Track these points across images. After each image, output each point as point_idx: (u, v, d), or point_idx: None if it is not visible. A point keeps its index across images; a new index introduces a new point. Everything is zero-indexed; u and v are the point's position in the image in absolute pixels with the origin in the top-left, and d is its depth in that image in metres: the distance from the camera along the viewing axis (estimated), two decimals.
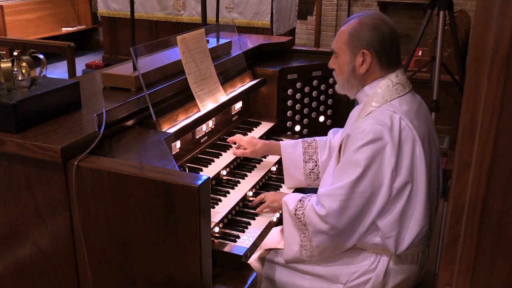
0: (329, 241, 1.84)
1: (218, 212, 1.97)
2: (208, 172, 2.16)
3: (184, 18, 6.80)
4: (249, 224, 2.01)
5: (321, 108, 2.92)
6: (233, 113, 2.64)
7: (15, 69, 1.83)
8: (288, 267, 2.02)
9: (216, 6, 2.86)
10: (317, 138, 2.32)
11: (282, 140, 2.68)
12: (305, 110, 2.87)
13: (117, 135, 1.85)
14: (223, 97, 2.40)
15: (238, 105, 2.67)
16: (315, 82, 2.86)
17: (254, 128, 2.65)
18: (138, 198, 1.53)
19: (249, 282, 1.72)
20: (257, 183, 2.27)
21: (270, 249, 2.13)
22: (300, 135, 2.84)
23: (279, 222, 2.11)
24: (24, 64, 1.82)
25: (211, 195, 1.98)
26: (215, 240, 1.86)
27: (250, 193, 2.21)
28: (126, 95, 2.04)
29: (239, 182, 2.22)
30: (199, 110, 2.23)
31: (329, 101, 2.93)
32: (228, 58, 2.65)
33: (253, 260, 2.07)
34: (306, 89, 2.84)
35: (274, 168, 2.46)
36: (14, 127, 1.63)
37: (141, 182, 1.51)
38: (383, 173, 1.76)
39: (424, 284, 2.06)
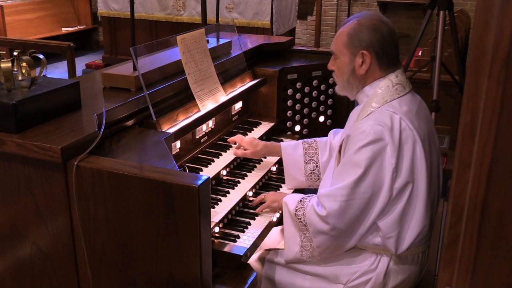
0: (329, 242, 1.84)
1: (218, 212, 1.97)
2: (208, 172, 2.16)
3: (184, 18, 6.80)
4: (249, 224, 2.01)
5: (321, 108, 2.92)
6: (233, 113, 2.64)
7: (15, 69, 1.83)
8: (288, 267, 2.02)
9: (216, 6, 2.86)
10: (317, 139, 2.32)
11: (282, 140, 2.69)
12: (305, 110, 2.87)
13: (117, 135, 1.85)
14: (223, 97, 2.40)
15: (238, 105, 2.67)
16: (315, 82, 2.86)
17: (254, 128, 2.65)
18: (138, 198, 1.53)
19: (249, 282, 1.72)
20: (257, 183, 2.27)
21: (270, 250, 2.13)
22: (300, 135, 2.84)
23: (279, 222, 2.11)
24: (24, 64, 1.82)
25: (211, 195, 1.98)
26: (215, 240, 1.86)
27: (250, 193, 2.21)
28: (126, 95, 2.04)
29: (239, 182, 2.22)
30: (199, 110, 2.23)
31: (329, 101, 2.93)
32: (228, 58, 2.65)
33: (253, 261, 2.07)
34: (306, 89, 2.84)
35: (274, 168, 2.46)
36: (14, 127, 1.63)
37: (141, 182, 1.51)
38: (384, 173, 1.76)
39: (424, 284, 2.06)
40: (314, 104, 2.89)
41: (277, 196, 2.09)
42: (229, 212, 2.01)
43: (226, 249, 1.81)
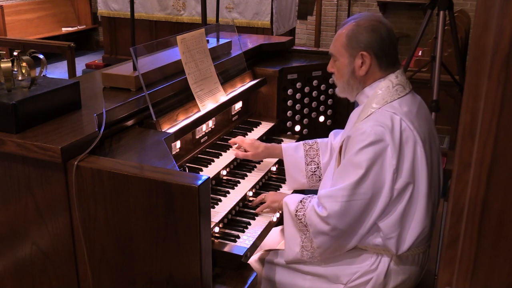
0: (330, 242, 1.84)
1: (218, 212, 1.97)
2: (208, 172, 2.16)
3: (184, 18, 6.80)
4: (249, 224, 2.01)
5: (321, 108, 2.92)
6: (233, 113, 2.64)
7: (15, 69, 1.83)
8: (289, 267, 2.02)
9: (216, 6, 2.86)
10: (318, 140, 2.32)
11: (282, 140, 2.69)
12: (305, 110, 2.87)
13: (117, 135, 1.85)
14: (223, 97, 2.40)
15: (238, 105, 2.67)
16: (315, 82, 2.86)
17: (254, 128, 2.65)
18: (138, 198, 1.53)
19: (249, 282, 1.72)
20: (257, 183, 2.27)
21: (269, 250, 2.13)
22: (300, 135, 2.84)
23: (279, 222, 2.11)
24: (24, 64, 1.82)
25: (211, 195, 1.98)
26: (215, 240, 1.86)
27: (250, 193, 2.21)
28: (126, 95, 2.04)
29: (239, 182, 2.22)
30: (199, 110, 2.23)
31: (329, 101, 2.93)
32: (228, 58, 2.65)
33: (253, 261, 2.07)
34: (306, 89, 2.84)
35: (274, 168, 2.46)
36: (14, 127, 1.63)
37: (141, 182, 1.51)
38: (384, 174, 1.76)
39: (424, 284, 2.06)
40: (314, 104, 2.89)
41: (277, 197, 2.09)
42: (229, 212, 2.01)
43: (226, 249, 1.81)
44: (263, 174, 2.34)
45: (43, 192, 1.64)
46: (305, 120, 2.88)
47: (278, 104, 2.77)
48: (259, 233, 1.96)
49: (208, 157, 2.27)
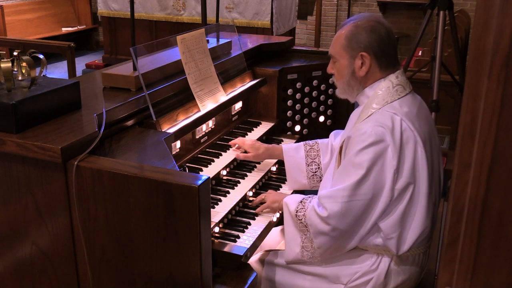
0: (330, 242, 1.84)
1: (218, 212, 1.97)
2: (208, 172, 2.16)
3: (184, 18, 6.80)
4: (249, 224, 2.01)
5: (321, 108, 2.92)
6: (233, 113, 2.64)
7: (15, 69, 1.83)
8: (289, 268, 2.02)
9: (216, 6, 2.86)
10: (319, 140, 2.32)
11: (282, 140, 2.69)
12: (305, 110, 2.87)
13: (117, 135, 1.85)
14: (223, 97, 2.40)
15: (238, 105, 2.67)
16: (315, 82, 2.86)
17: (254, 128, 2.65)
18: (138, 198, 1.53)
19: (249, 282, 1.72)
20: (257, 183, 2.27)
21: (269, 251, 2.13)
22: (300, 135, 2.84)
23: (279, 222, 2.11)
24: (24, 64, 1.82)
25: (211, 195, 1.98)
26: (215, 240, 1.86)
27: (250, 193, 2.21)
28: (126, 95, 2.04)
29: (239, 182, 2.22)
30: (199, 110, 2.23)
31: (329, 101, 2.93)
32: (228, 58, 2.65)
33: (253, 262, 2.07)
34: (306, 89, 2.84)
35: (274, 168, 2.46)
36: (14, 127, 1.63)
37: (141, 182, 1.51)
38: (385, 175, 1.76)
39: (425, 284, 2.06)
40: (314, 104, 2.89)
41: (277, 197, 2.09)
42: (229, 212, 2.01)
43: (226, 249, 1.81)
44: (263, 174, 2.34)
45: (43, 192, 1.64)
46: (305, 120, 2.88)
47: (278, 104, 2.77)
48: (259, 233, 1.96)
49: (208, 157, 2.27)
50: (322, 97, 2.90)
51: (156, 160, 1.66)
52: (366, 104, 1.89)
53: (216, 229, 1.91)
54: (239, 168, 2.36)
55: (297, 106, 2.82)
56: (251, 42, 3.07)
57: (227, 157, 2.32)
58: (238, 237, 1.91)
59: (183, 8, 6.79)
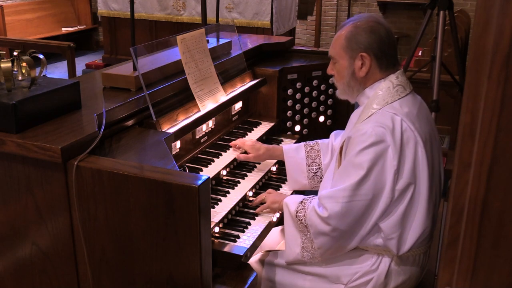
0: (330, 243, 1.84)
1: (218, 212, 1.97)
2: (208, 172, 2.16)
3: (184, 18, 6.80)
4: (249, 224, 2.01)
5: (321, 108, 2.92)
6: (233, 113, 2.64)
7: (15, 69, 1.83)
8: (289, 268, 2.02)
9: (216, 6, 2.86)
10: (319, 141, 2.32)
11: (282, 140, 2.69)
12: (305, 110, 2.87)
13: (117, 135, 1.85)
14: (223, 97, 2.40)
15: (238, 105, 2.67)
16: (315, 82, 2.86)
17: (254, 128, 2.65)
18: (138, 198, 1.53)
19: (249, 282, 1.72)
20: (257, 183, 2.27)
21: (269, 251, 2.13)
22: (300, 135, 2.84)
23: (279, 222, 2.11)
24: (24, 64, 1.82)
25: (211, 195, 1.98)
26: (215, 240, 1.86)
27: (250, 193, 2.21)
28: (126, 95, 2.04)
29: (239, 182, 2.22)
30: (199, 110, 2.23)
31: (329, 101, 2.93)
32: (228, 58, 2.65)
33: (253, 262, 2.07)
34: (306, 89, 2.84)
35: (274, 168, 2.46)
36: (14, 127, 1.63)
37: (141, 182, 1.51)
38: (385, 175, 1.76)
39: (425, 284, 2.06)
40: (314, 104, 2.89)
41: (277, 197, 2.09)
42: (229, 212, 2.01)
43: (226, 249, 1.81)
44: (263, 174, 2.34)
45: (43, 192, 1.64)
46: (305, 120, 2.88)
47: (278, 104, 2.77)
48: (259, 233, 1.96)
49: (208, 157, 2.27)
50: (322, 97, 2.90)
51: (156, 160, 1.66)
52: (366, 105, 1.89)
53: (216, 229, 1.91)
54: (239, 168, 2.36)
55: (297, 106, 2.82)
56: (251, 42, 3.07)
57: (227, 157, 2.32)
58: (238, 237, 1.91)
59: (183, 8, 6.79)
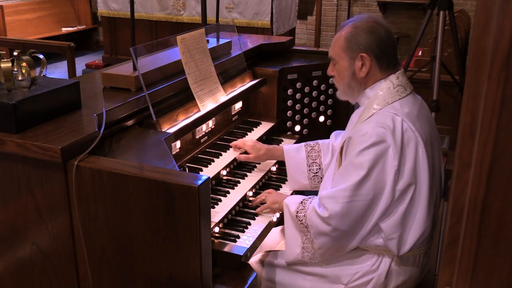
0: (331, 243, 1.84)
1: (218, 212, 1.97)
2: (208, 172, 2.16)
3: (184, 18, 6.80)
4: (249, 224, 2.01)
5: (321, 108, 2.92)
6: (233, 113, 2.64)
7: (15, 69, 1.83)
8: (289, 268, 2.02)
9: (216, 6, 2.86)
10: (320, 141, 2.32)
11: (282, 140, 2.69)
12: (305, 110, 2.87)
13: (117, 135, 1.85)
14: (223, 97, 2.40)
15: (238, 105, 2.67)
16: (315, 82, 2.86)
17: (254, 128, 2.65)
18: (138, 198, 1.53)
19: (249, 282, 1.72)
20: (257, 183, 2.27)
21: (269, 251, 2.13)
22: (300, 135, 2.84)
23: (279, 222, 2.11)
24: (24, 64, 1.82)
25: (211, 195, 1.98)
26: (215, 240, 1.86)
27: (250, 193, 2.21)
28: (126, 95, 2.04)
29: (239, 182, 2.22)
30: (199, 110, 2.23)
31: (329, 101, 2.93)
32: (228, 58, 2.65)
33: (253, 262, 2.07)
34: (306, 89, 2.84)
35: (274, 168, 2.46)
36: (14, 127, 1.63)
37: (141, 182, 1.51)
38: (386, 175, 1.76)
39: (425, 284, 2.06)
40: (314, 104, 2.89)
41: (278, 197, 2.09)
42: (229, 212, 2.01)
43: (226, 249, 1.81)
44: (263, 174, 2.34)
45: (43, 192, 1.64)
46: (305, 120, 2.88)
47: (278, 104, 2.77)
48: (259, 233, 1.96)
49: (208, 157, 2.27)
50: (322, 97, 2.90)
51: (156, 160, 1.66)
52: (367, 105, 1.89)
53: (216, 229, 1.91)
54: (239, 168, 2.36)
55: (297, 106, 2.82)
56: (251, 42, 3.07)
57: (227, 157, 2.32)
58: (238, 237, 1.91)
59: (183, 8, 6.79)
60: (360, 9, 8.35)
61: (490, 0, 0.78)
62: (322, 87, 2.88)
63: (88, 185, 1.58)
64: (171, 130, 1.99)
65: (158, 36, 6.72)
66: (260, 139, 2.52)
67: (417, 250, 1.86)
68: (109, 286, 1.67)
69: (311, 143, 2.32)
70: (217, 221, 1.92)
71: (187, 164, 2.17)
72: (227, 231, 1.95)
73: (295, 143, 2.59)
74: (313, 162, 2.28)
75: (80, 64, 7.55)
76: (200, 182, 1.46)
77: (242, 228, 1.97)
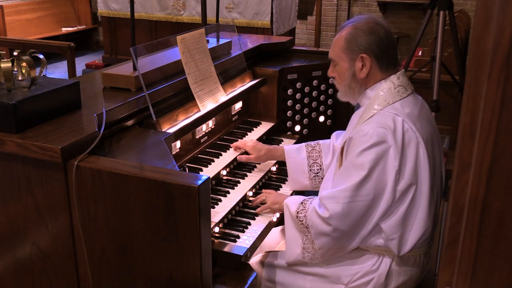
0: (331, 243, 1.84)
1: (218, 212, 1.97)
2: (208, 172, 2.16)
3: (184, 18, 6.80)
4: (249, 224, 2.01)
5: (321, 108, 2.92)
6: (233, 113, 2.64)
7: (15, 69, 1.83)
8: (289, 268, 2.02)
9: (216, 6, 2.86)
10: (320, 141, 2.32)
11: (282, 140, 2.69)
12: (305, 110, 2.87)
13: (117, 135, 1.85)
14: (223, 97, 2.40)
15: (238, 105, 2.67)
16: (315, 82, 2.86)
17: (254, 128, 2.65)
18: (138, 198, 1.53)
19: (249, 282, 1.72)
20: (257, 183, 2.27)
21: (269, 252, 2.13)
22: (300, 135, 2.84)
23: (279, 222, 2.11)
24: (24, 64, 1.82)
25: (211, 195, 1.98)
26: (215, 240, 1.86)
27: (250, 193, 2.21)
28: (126, 95, 2.04)
29: (239, 182, 2.22)
30: (199, 110, 2.23)
31: (329, 101, 2.93)
32: (228, 58, 2.65)
33: (253, 263, 2.07)
34: (306, 89, 2.84)
35: (274, 168, 2.46)
36: (14, 127, 1.63)
37: (141, 182, 1.51)
38: (387, 176, 1.76)
39: (425, 284, 2.06)
40: (314, 104, 2.89)
41: (278, 198, 2.09)
42: (229, 212, 2.01)
43: (226, 249, 1.81)
44: (263, 174, 2.34)
45: (43, 192, 1.64)
46: (305, 120, 2.88)
47: (278, 104, 2.77)
48: (259, 233, 1.96)
49: (208, 157, 2.27)
50: (322, 97, 2.90)
51: (156, 160, 1.66)
52: (367, 105, 1.89)
53: (216, 229, 1.91)
54: (239, 168, 2.36)
55: (297, 106, 2.82)
56: (251, 42, 3.07)
57: (227, 157, 2.32)
58: (238, 237, 1.91)
59: (183, 8, 6.79)
60: (360, 9, 8.35)
61: (490, 0, 0.78)
62: (322, 87, 2.88)
63: (88, 185, 1.58)
64: (171, 130, 1.99)
65: (158, 36, 6.72)
66: (260, 139, 2.52)
67: (417, 250, 1.86)
68: (109, 286, 1.67)
69: (312, 143, 2.32)
70: (217, 221, 1.92)
71: (187, 164, 2.17)
72: (227, 231, 1.95)
73: (295, 143, 2.59)
74: (314, 163, 2.28)
75: (80, 64, 7.55)
76: (200, 182, 1.46)
77: (242, 228, 1.97)
